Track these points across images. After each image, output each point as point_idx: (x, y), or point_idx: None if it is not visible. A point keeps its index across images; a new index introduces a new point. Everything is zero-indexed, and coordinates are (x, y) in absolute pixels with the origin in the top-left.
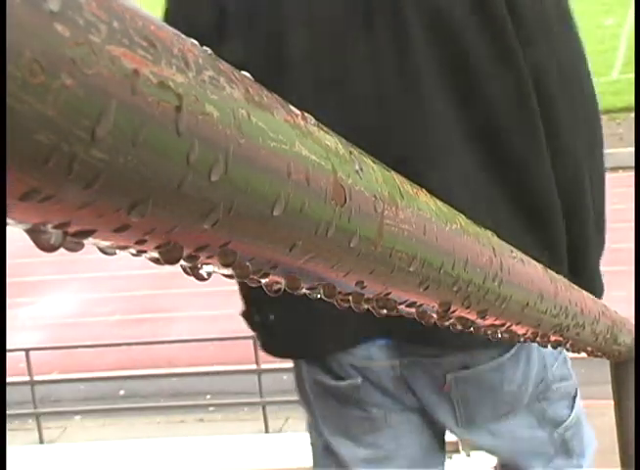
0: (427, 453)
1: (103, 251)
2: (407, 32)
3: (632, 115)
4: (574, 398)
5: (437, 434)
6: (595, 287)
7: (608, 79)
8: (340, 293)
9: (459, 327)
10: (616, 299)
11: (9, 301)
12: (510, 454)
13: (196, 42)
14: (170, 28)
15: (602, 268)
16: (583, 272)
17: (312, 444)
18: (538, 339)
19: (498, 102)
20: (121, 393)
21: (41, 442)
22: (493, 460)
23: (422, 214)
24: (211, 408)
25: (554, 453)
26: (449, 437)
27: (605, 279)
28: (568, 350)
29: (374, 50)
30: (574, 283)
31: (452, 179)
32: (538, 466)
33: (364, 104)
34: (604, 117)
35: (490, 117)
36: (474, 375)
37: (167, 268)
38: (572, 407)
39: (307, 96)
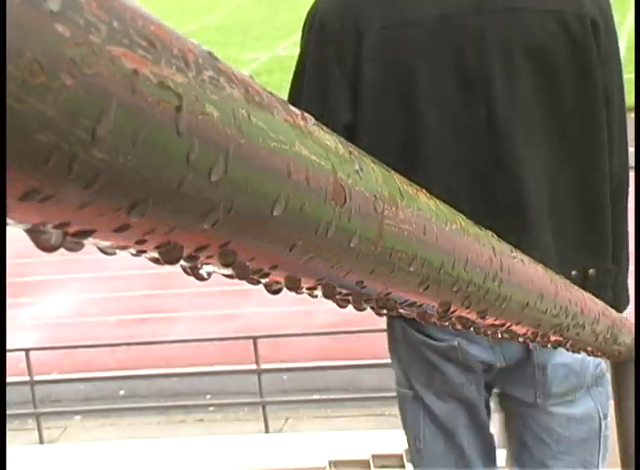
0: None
1: (103, 251)
2: (519, 83)
3: (632, 115)
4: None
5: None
6: (623, 296)
7: None
8: (340, 293)
9: (459, 327)
10: None
11: (9, 301)
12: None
13: (196, 42)
14: (170, 28)
15: None
16: (618, 281)
17: (402, 395)
18: (538, 339)
19: (577, 113)
20: (121, 393)
21: (41, 442)
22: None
23: (422, 214)
24: (211, 408)
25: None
26: None
27: None
28: (568, 350)
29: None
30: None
31: (535, 177)
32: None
33: (480, 153)
34: None
35: (569, 126)
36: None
37: (167, 268)
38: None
39: (434, 152)
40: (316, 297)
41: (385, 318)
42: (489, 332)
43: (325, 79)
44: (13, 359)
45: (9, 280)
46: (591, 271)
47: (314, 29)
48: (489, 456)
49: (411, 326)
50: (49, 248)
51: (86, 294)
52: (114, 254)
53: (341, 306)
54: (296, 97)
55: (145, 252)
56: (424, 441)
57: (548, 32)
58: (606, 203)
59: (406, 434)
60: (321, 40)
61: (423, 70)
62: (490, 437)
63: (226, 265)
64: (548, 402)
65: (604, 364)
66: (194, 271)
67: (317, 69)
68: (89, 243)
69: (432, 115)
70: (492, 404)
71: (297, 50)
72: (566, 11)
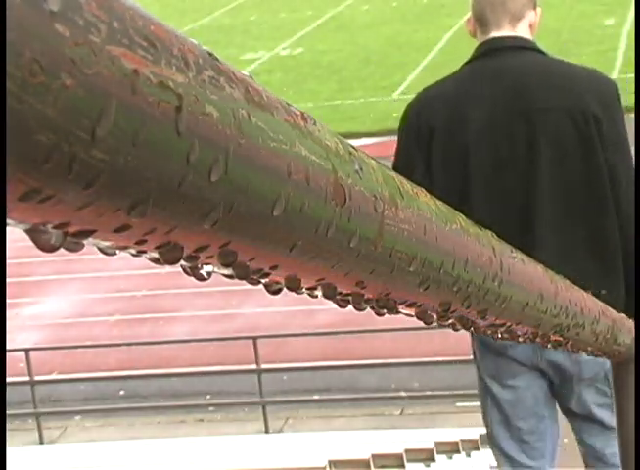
0: (539, 403)
1: (103, 251)
2: (539, 162)
3: (632, 115)
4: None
5: (548, 391)
6: (630, 306)
7: None
8: (340, 293)
9: (459, 327)
10: None
11: (9, 300)
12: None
13: (196, 42)
14: (170, 28)
15: None
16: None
17: (478, 385)
18: (538, 339)
19: (586, 187)
20: (121, 393)
21: (41, 442)
22: (493, 460)
23: (422, 214)
24: (211, 408)
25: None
26: (449, 437)
27: None
28: (568, 349)
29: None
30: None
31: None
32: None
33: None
34: None
35: (576, 195)
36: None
37: (167, 268)
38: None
39: (481, 188)
40: (316, 297)
41: (384, 318)
42: (489, 332)
43: (410, 157)
44: (13, 359)
45: (9, 280)
46: (603, 291)
47: (405, 121)
48: (547, 442)
49: None
50: (49, 248)
51: (86, 294)
52: (114, 254)
53: (341, 306)
54: (394, 165)
55: (145, 252)
56: (492, 425)
57: (561, 126)
58: (616, 249)
59: (484, 420)
60: (407, 130)
61: (472, 154)
62: (549, 425)
63: (226, 265)
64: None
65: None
66: (194, 271)
67: (406, 149)
68: (89, 243)
69: (478, 183)
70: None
71: (298, 50)
72: (574, 109)
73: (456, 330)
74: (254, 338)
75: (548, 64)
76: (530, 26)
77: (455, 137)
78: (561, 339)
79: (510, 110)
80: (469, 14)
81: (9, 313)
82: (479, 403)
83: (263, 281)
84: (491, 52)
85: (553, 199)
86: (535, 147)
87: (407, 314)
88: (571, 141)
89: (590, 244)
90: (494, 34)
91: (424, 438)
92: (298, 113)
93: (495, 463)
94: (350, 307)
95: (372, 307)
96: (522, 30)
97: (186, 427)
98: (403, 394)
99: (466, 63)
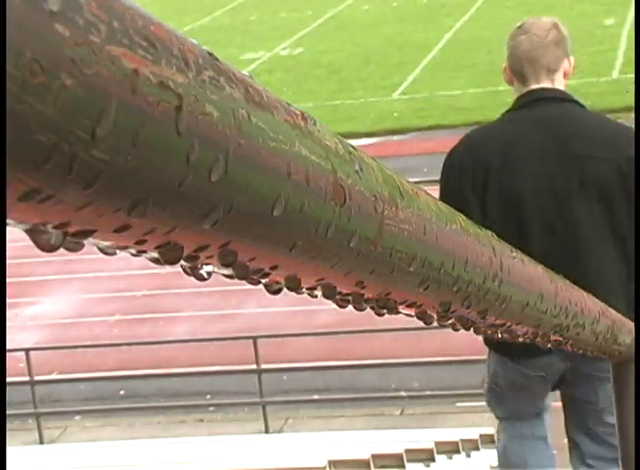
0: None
1: (103, 251)
2: (589, 203)
3: (632, 115)
4: None
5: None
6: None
7: (608, 79)
8: (340, 293)
9: (459, 327)
10: None
11: (9, 300)
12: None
13: (196, 42)
14: (170, 28)
15: None
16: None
17: (492, 411)
18: (538, 339)
19: (622, 226)
20: (121, 393)
21: (41, 442)
22: (493, 460)
23: (422, 214)
24: (211, 408)
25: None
26: (449, 437)
27: None
28: (568, 350)
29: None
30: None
31: (601, 261)
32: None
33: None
34: None
35: (620, 235)
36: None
37: (167, 268)
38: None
39: (532, 227)
40: (316, 297)
41: (384, 318)
42: (489, 332)
43: (463, 199)
44: (13, 359)
45: (9, 280)
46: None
47: (455, 167)
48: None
49: None
50: (49, 248)
51: (86, 294)
52: (115, 254)
53: (341, 306)
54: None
55: (145, 252)
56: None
57: (605, 173)
58: (631, 266)
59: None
60: (460, 173)
61: (524, 193)
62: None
63: (226, 265)
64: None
65: None
66: (194, 271)
67: (458, 193)
68: (89, 243)
69: (534, 223)
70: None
71: (298, 50)
72: (616, 159)
73: (456, 330)
74: (254, 338)
75: (587, 115)
76: (565, 74)
77: (509, 181)
78: (561, 339)
79: (560, 156)
80: (505, 63)
81: (9, 313)
82: (479, 403)
83: (263, 281)
84: (533, 103)
85: (599, 235)
86: (584, 191)
87: (407, 314)
88: (613, 187)
89: (620, 274)
90: (533, 87)
91: (424, 438)
92: (298, 113)
93: (495, 463)
94: (350, 307)
95: (372, 307)
96: (558, 81)
97: (186, 427)
98: (403, 394)
99: (507, 111)
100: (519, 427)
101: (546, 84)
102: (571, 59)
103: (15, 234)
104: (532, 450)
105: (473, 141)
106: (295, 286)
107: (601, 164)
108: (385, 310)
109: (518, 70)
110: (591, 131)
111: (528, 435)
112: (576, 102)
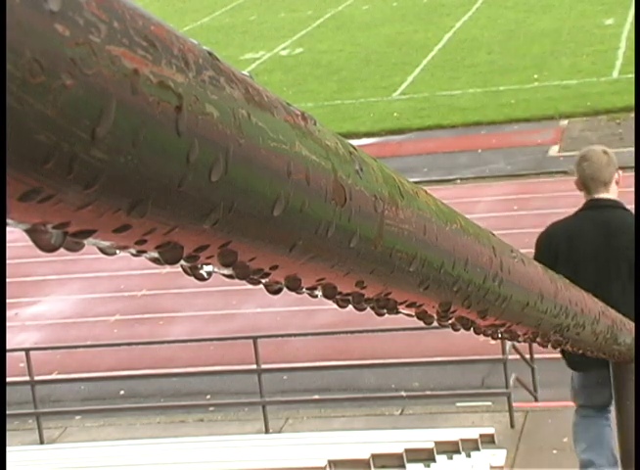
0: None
1: (103, 251)
2: (618, 264)
3: (632, 115)
4: None
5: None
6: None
7: (608, 79)
8: (340, 293)
9: (459, 327)
10: None
11: (9, 301)
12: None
13: (196, 42)
14: (170, 28)
15: None
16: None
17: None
18: (538, 339)
19: (626, 271)
20: (121, 393)
21: (41, 442)
22: (493, 460)
23: (422, 214)
24: (211, 408)
25: None
26: (449, 437)
27: None
28: (568, 349)
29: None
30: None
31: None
32: None
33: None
34: (604, 117)
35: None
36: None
37: (167, 268)
38: None
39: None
40: (316, 297)
41: (384, 318)
42: (489, 332)
43: (548, 264)
44: (13, 359)
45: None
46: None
47: (541, 245)
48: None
49: None
50: (49, 248)
51: (86, 294)
52: (115, 254)
53: (341, 306)
54: None
55: (145, 252)
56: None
57: (630, 254)
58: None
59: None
60: (543, 251)
61: (581, 261)
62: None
63: (226, 265)
64: None
65: None
66: (194, 271)
67: (546, 261)
68: (89, 243)
69: (582, 280)
70: None
71: (298, 50)
72: (629, 247)
73: (456, 330)
74: (254, 338)
75: (625, 218)
76: (617, 183)
77: (570, 259)
78: (561, 339)
79: (606, 246)
80: (575, 176)
81: (9, 313)
82: (479, 403)
83: (263, 281)
84: (595, 207)
85: (622, 281)
86: (617, 263)
87: (407, 314)
88: (632, 261)
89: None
90: (595, 196)
91: (424, 438)
92: (298, 113)
93: (495, 463)
94: (350, 307)
95: (372, 307)
96: (612, 190)
97: (186, 427)
98: (403, 394)
99: (577, 211)
100: (591, 412)
101: (603, 194)
102: (619, 172)
103: (15, 234)
104: (596, 426)
105: (552, 231)
106: (295, 286)
107: (628, 252)
108: (385, 310)
109: (584, 183)
110: (626, 229)
111: (595, 417)
112: (623, 207)
